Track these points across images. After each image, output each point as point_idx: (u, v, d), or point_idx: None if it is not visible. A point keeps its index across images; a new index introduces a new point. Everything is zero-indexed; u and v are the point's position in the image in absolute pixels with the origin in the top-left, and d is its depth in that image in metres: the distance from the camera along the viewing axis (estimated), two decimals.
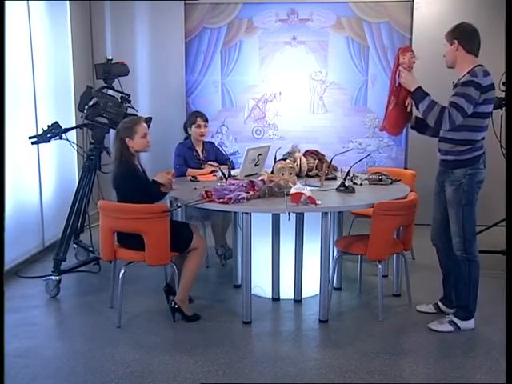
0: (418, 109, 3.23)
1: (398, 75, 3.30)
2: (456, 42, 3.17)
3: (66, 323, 3.65)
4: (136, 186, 3.40)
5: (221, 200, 3.33)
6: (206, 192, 3.42)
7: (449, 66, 3.29)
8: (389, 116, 3.42)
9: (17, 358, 3.06)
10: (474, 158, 3.22)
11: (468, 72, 3.15)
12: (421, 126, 3.47)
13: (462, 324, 3.38)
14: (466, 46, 3.17)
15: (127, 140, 3.45)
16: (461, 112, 3.08)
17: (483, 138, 3.26)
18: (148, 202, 3.37)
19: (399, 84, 3.31)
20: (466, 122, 3.15)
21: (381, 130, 3.64)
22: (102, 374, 2.89)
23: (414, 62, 3.26)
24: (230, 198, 3.33)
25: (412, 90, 3.23)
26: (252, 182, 3.55)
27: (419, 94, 3.22)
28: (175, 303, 3.47)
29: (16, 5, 4.52)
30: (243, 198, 3.37)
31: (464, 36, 3.18)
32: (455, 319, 3.39)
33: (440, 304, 3.62)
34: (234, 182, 3.60)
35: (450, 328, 3.38)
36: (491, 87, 3.15)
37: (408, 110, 3.36)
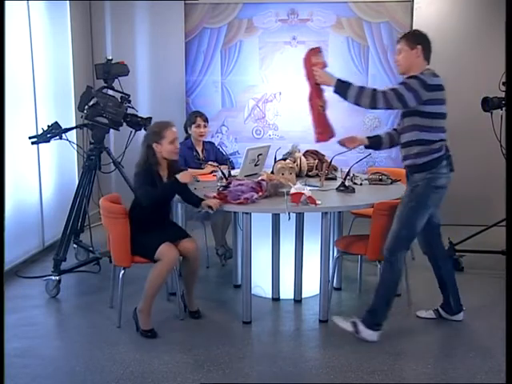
0: (346, 99, 3.11)
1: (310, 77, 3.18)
2: (420, 47, 3.16)
3: (66, 323, 3.65)
4: (144, 194, 3.26)
5: (238, 201, 3.32)
6: (219, 194, 3.41)
7: (402, 72, 3.21)
8: (319, 122, 3.25)
9: (17, 358, 3.06)
10: (432, 162, 3.11)
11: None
12: (374, 144, 3.48)
13: (363, 331, 3.21)
14: (426, 53, 3.19)
15: (155, 145, 3.28)
16: (397, 96, 3.00)
17: (442, 140, 3.14)
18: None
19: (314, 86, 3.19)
20: (414, 122, 3.11)
21: (317, 142, 3.31)
22: (101, 374, 2.89)
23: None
24: (247, 199, 3.32)
25: (333, 84, 3.10)
26: (259, 182, 3.54)
27: (341, 86, 3.09)
28: (136, 312, 3.33)
29: (16, 5, 4.52)
30: (256, 198, 3.38)
31: (426, 42, 3.20)
32: (359, 323, 3.24)
33: (441, 310, 3.57)
34: (242, 182, 3.58)
35: (349, 328, 3.24)
36: (438, 88, 3.08)
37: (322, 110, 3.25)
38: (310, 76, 3.16)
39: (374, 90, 3.07)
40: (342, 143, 3.50)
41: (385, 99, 3.03)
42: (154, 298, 3.29)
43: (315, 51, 3.21)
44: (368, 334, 3.23)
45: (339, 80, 3.10)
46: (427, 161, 3.13)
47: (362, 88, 3.08)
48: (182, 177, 3.23)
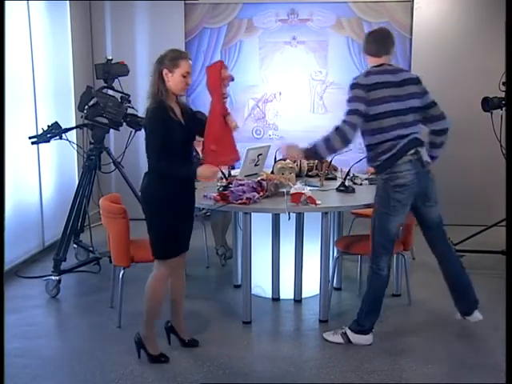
0: (323, 158, 3.22)
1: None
2: (367, 47, 3.21)
3: (66, 323, 3.65)
4: (162, 132, 2.78)
5: (240, 201, 3.32)
6: (220, 195, 3.41)
7: None
8: (227, 142, 2.92)
9: (17, 358, 3.06)
10: (384, 163, 3.07)
11: None
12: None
13: (354, 338, 3.20)
14: (371, 48, 3.19)
15: (165, 72, 2.81)
16: (347, 123, 3.02)
17: (393, 139, 3.04)
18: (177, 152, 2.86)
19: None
20: (362, 126, 3.07)
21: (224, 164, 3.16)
22: (102, 374, 2.89)
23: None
24: (249, 199, 3.32)
25: (302, 155, 3.19)
26: (259, 182, 3.54)
27: (311, 151, 3.12)
28: (138, 337, 3.04)
29: (16, 5, 4.52)
30: (258, 198, 3.38)
31: (369, 37, 3.24)
32: (348, 331, 3.22)
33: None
34: (242, 182, 3.57)
35: (340, 340, 3.22)
36: (376, 86, 3.04)
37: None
38: (217, 87, 2.88)
39: (338, 130, 3.03)
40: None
41: (347, 127, 3.01)
42: (156, 316, 3.02)
43: (221, 64, 2.94)
44: (361, 338, 3.21)
45: (306, 148, 3.12)
46: (379, 164, 3.11)
47: (325, 138, 3.06)
48: (204, 172, 2.86)
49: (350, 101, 3.07)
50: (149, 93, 2.87)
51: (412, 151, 3.05)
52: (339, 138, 3.02)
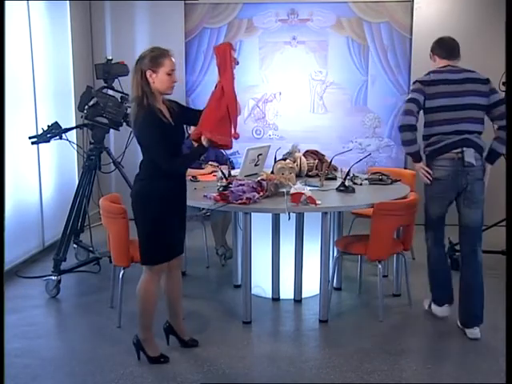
0: (413, 153, 3.41)
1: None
2: (433, 52, 3.47)
3: (66, 323, 3.65)
4: (160, 136, 2.75)
5: (240, 201, 3.32)
6: (220, 195, 3.41)
7: None
8: (224, 131, 2.83)
9: (17, 358, 3.06)
10: (430, 153, 3.34)
11: None
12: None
13: (432, 307, 3.60)
14: (440, 52, 3.45)
15: (149, 74, 2.74)
16: (404, 111, 3.31)
17: (439, 134, 3.27)
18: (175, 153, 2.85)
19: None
20: (424, 119, 3.36)
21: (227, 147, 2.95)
22: (102, 374, 2.89)
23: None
24: (249, 199, 3.32)
25: (413, 160, 3.46)
26: (259, 182, 3.54)
27: (410, 155, 3.46)
28: (137, 339, 3.03)
29: (16, 5, 4.52)
30: (258, 198, 3.38)
31: (435, 44, 3.49)
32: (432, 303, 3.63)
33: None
34: (242, 182, 3.57)
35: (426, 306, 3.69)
36: (435, 82, 3.28)
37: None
38: (228, 67, 2.81)
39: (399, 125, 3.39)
40: None
41: (401, 116, 3.33)
42: (151, 319, 2.99)
43: (230, 45, 2.88)
44: (436, 309, 3.57)
45: (407, 154, 3.57)
46: (426, 154, 3.37)
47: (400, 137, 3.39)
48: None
49: (410, 93, 3.40)
50: (131, 96, 2.80)
51: (458, 150, 3.23)
52: (402, 129, 3.31)
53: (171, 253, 2.97)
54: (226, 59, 2.82)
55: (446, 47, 3.40)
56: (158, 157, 2.79)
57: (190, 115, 2.93)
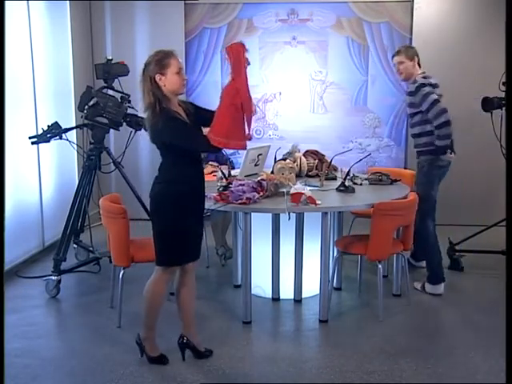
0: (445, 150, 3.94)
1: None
2: (416, 58, 3.97)
3: (66, 323, 3.65)
4: (183, 125, 2.75)
5: (240, 201, 3.32)
6: (220, 195, 3.41)
7: (405, 79, 4.06)
8: (237, 135, 2.79)
9: (17, 358, 3.06)
10: (439, 148, 3.89)
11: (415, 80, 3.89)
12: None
13: (430, 288, 3.97)
14: (419, 61, 4.00)
15: (158, 78, 2.72)
16: (444, 109, 3.79)
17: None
18: (195, 149, 2.84)
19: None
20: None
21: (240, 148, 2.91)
22: (102, 374, 2.89)
23: None
24: (249, 199, 3.32)
25: None
26: (259, 182, 3.54)
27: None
28: (139, 338, 3.02)
29: (16, 5, 4.52)
30: (258, 198, 3.38)
31: (417, 54, 4.01)
32: (426, 284, 4.00)
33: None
34: (242, 182, 3.57)
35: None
36: (433, 86, 3.87)
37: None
38: (241, 69, 2.78)
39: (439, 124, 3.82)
40: None
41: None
42: (155, 319, 2.98)
43: (242, 45, 2.84)
44: (434, 288, 3.93)
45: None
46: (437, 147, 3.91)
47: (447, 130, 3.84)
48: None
49: (427, 94, 3.78)
50: (145, 104, 2.76)
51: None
52: (449, 123, 3.77)
53: (186, 256, 2.93)
54: (240, 60, 2.79)
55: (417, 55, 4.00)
56: (187, 142, 2.74)
57: (206, 116, 2.88)
